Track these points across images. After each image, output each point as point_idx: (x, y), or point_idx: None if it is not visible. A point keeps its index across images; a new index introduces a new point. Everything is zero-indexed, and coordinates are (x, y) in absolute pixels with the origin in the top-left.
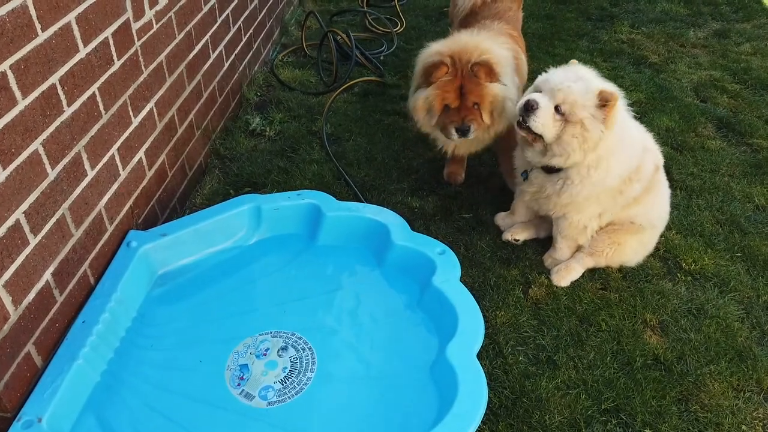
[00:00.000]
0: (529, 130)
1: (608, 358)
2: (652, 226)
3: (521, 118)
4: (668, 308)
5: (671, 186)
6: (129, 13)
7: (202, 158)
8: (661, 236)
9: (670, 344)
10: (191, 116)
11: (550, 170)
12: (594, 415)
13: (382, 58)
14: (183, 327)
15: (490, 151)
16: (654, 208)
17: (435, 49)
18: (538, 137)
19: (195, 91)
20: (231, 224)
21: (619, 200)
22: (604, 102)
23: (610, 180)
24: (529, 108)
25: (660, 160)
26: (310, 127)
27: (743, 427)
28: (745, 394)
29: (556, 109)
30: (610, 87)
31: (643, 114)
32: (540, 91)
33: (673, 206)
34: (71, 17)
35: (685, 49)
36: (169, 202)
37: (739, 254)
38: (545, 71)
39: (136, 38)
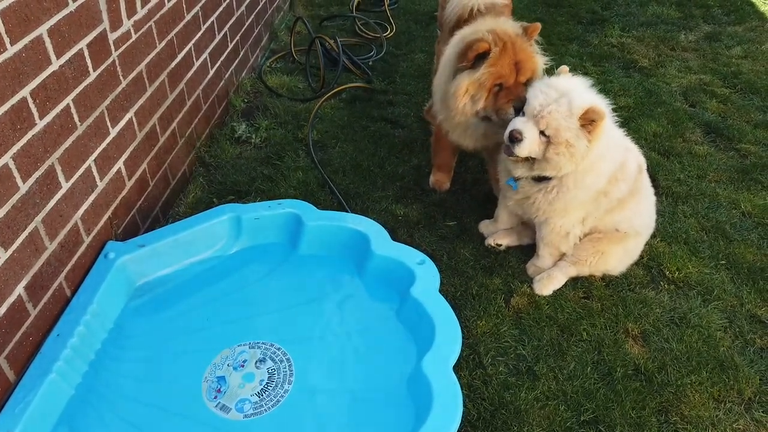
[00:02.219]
0: (514, 155)
1: (589, 369)
2: (636, 234)
3: (505, 145)
4: (650, 317)
5: (657, 193)
6: (105, 24)
7: (186, 166)
8: (646, 244)
9: (651, 354)
10: (174, 125)
11: (541, 178)
12: (573, 426)
13: (370, 63)
14: (161, 339)
15: (476, 158)
16: (638, 215)
17: (469, 31)
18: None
19: (178, 99)
20: (211, 234)
21: (603, 203)
22: (590, 120)
23: (601, 181)
24: (514, 139)
25: (642, 160)
26: (297, 134)
27: None
28: (726, 405)
29: (541, 132)
30: (595, 101)
31: (631, 119)
32: (522, 113)
33: (659, 213)
34: (42, 30)
35: (676, 53)
36: (151, 212)
37: (723, 262)
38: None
39: (113, 48)
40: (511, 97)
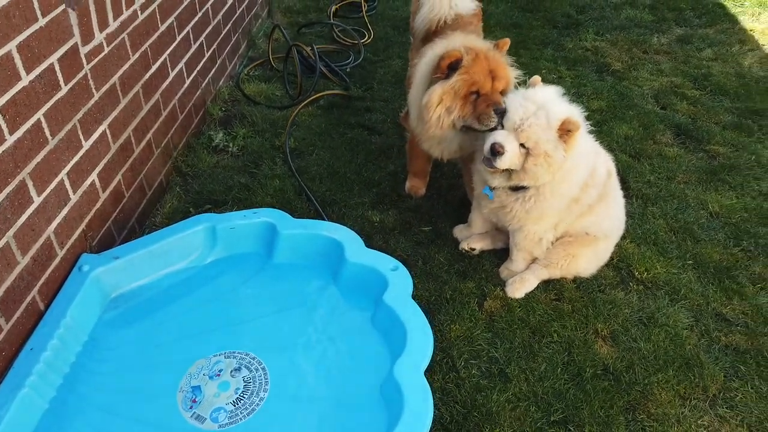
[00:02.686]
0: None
1: (559, 370)
2: (605, 237)
3: (485, 157)
4: (620, 318)
5: (627, 195)
6: (77, 38)
7: (162, 176)
8: (616, 245)
9: (620, 354)
10: (149, 135)
11: (518, 188)
12: (543, 427)
13: (348, 69)
14: (136, 350)
15: (451, 163)
16: (607, 218)
17: (441, 47)
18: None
19: (153, 110)
20: (185, 244)
21: (575, 209)
22: (566, 131)
23: (575, 188)
24: (496, 153)
25: (611, 165)
26: (274, 142)
27: None
28: (692, 402)
29: (521, 144)
30: (570, 111)
31: (603, 122)
32: (501, 125)
33: (629, 215)
34: (11, 46)
35: (648, 56)
36: (127, 223)
37: (690, 262)
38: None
39: (85, 62)
40: (490, 102)
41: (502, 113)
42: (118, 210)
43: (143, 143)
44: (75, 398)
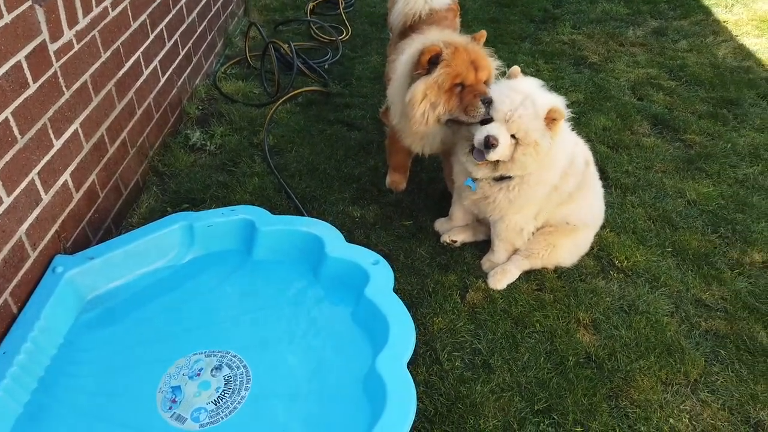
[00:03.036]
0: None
1: (542, 359)
2: (585, 226)
3: (477, 150)
4: (601, 306)
5: (606, 185)
6: (45, 35)
7: (138, 176)
8: (596, 235)
9: (601, 342)
10: (124, 134)
11: (502, 178)
12: (527, 416)
13: (326, 66)
14: (114, 351)
15: (431, 158)
16: (586, 208)
17: (418, 42)
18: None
19: (127, 109)
20: (163, 244)
21: (554, 198)
22: (552, 119)
23: (556, 176)
24: (491, 146)
25: (588, 155)
26: (252, 140)
27: (671, 420)
28: (673, 387)
29: (511, 135)
30: (554, 100)
31: (581, 114)
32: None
33: (608, 205)
34: None
35: (624, 48)
36: (102, 224)
37: (669, 249)
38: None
39: (54, 59)
40: (475, 92)
41: (489, 103)
42: (92, 210)
43: (117, 142)
44: (51, 402)
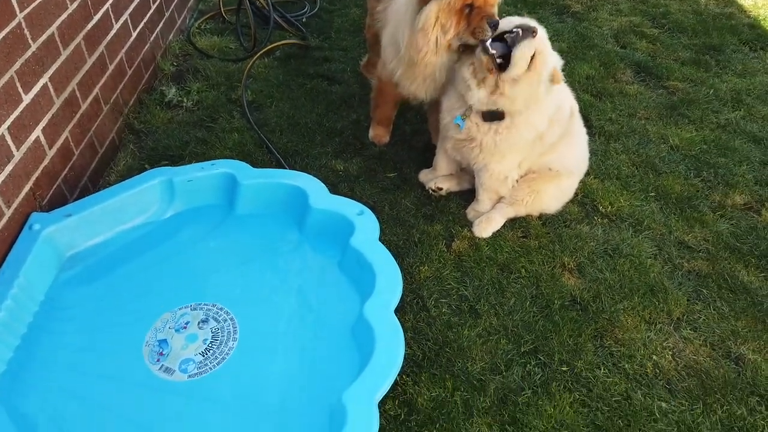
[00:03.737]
0: (498, 58)
1: (528, 303)
2: (569, 173)
3: (499, 44)
4: (585, 251)
5: (590, 133)
6: None
7: (114, 134)
8: (580, 182)
9: (586, 285)
10: (96, 90)
11: (492, 118)
12: (514, 358)
13: (304, 20)
14: (97, 308)
15: (414, 109)
16: (569, 155)
17: None
18: (499, 71)
19: (98, 63)
20: (142, 200)
21: (538, 147)
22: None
23: (545, 122)
24: (528, 33)
25: (574, 104)
26: (230, 95)
27: (654, 357)
28: (657, 326)
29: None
30: (558, 62)
31: (565, 63)
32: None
33: (592, 152)
34: None
35: None
36: (79, 182)
37: (653, 194)
38: None
39: (17, 9)
40: (483, 14)
41: (495, 26)
42: (68, 168)
43: (90, 98)
44: (36, 359)
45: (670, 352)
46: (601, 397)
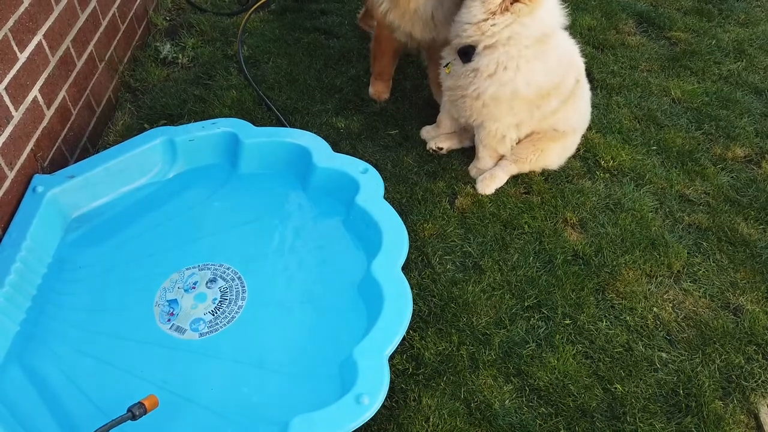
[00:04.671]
0: None
1: (531, 258)
2: (573, 131)
3: None
4: (587, 206)
5: (592, 87)
6: None
7: (110, 92)
8: (582, 137)
9: (588, 239)
10: (91, 47)
11: (466, 56)
12: (518, 312)
13: None
14: (105, 269)
15: (414, 64)
16: (574, 115)
17: None
18: None
19: (91, 19)
20: (144, 160)
21: (536, 114)
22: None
23: (523, 87)
24: None
25: (582, 72)
26: (226, 51)
27: (655, 309)
28: (657, 279)
29: None
30: None
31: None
32: None
33: (594, 106)
34: None
35: None
36: (78, 142)
37: (654, 148)
38: None
39: None
40: None
41: None
42: (67, 128)
43: (85, 56)
44: (47, 319)
45: (671, 304)
46: (603, 348)
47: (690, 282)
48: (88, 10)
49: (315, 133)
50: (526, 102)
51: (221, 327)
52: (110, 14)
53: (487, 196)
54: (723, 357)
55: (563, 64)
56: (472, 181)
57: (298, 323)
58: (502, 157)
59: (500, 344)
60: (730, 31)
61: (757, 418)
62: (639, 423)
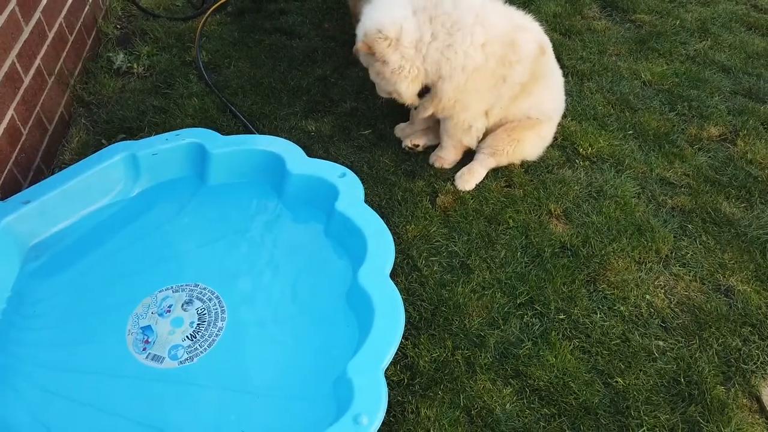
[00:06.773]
0: None
1: (518, 254)
2: (548, 119)
3: None
4: (570, 195)
5: (563, 73)
6: None
7: (62, 108)
8: (558, 125)
9: (575, 230)
10: (38, 61)
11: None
12: (510, 310)
13: None
14: (69, 298)
15: None
16: (546, 99)
17: None
18: None
19: (36, 31)
20: (104, 179)
21: (504, 90)
22: None
23: (472, 53)
24: None
25: (545, 40)
26: (184, 58)
27: (647, 296)
28: (647, 265)
29: None
30: None
31: (530, 2)
32: None
33: (567, 93)
34: None
35: None
36: (31, 164)
37: (631, 132)
38: None
39: None
40: None
41: None
42: (17, 150)
43: (32, 71)
44: (10, 359)
45: (662, 291)
46: (600, 341)
47: (679, 266)
48: (33, 21)
49: (285, 138)
50: (489, 74)
51: (202, 352)
52: (56, 25)
53: (468, 192)
54: (720, 341)
55: (495, 20)
56: (452, 178)
57: (284, 341)
58: (478, 150)
59: (495, 345)
60: (692, 11)
61: (759, 400)
62: (644, 416)
